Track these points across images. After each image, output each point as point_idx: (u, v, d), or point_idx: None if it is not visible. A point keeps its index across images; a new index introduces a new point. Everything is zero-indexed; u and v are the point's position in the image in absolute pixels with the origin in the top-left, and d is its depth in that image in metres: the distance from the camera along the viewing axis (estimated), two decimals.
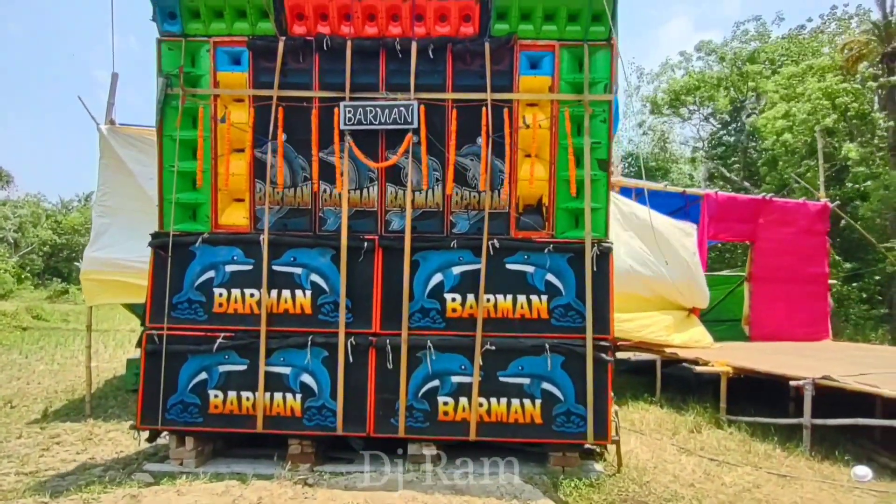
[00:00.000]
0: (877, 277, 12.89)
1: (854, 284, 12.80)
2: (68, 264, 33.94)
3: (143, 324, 6.50)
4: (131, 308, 6.93)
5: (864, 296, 12.70)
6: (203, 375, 3.92)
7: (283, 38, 3.96)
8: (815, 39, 16.74)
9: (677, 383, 7.18)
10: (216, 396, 3.91)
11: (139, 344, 4.02)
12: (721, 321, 8.91)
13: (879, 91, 14.00)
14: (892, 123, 13.59)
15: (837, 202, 9.21)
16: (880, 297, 13.28)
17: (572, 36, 3.94)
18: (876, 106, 14.60)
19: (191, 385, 3.92)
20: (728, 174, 15.67)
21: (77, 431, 4.88)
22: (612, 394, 3.87)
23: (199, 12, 3.95)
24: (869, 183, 12.35)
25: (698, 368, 5.75)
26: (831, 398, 4.90)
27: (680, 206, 7.93)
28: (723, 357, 5.96)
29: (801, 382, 4.75)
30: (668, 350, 6.58)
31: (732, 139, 17.98)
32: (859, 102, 13.96)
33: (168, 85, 3.98)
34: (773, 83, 14.80)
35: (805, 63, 14.76)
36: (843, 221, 12.02)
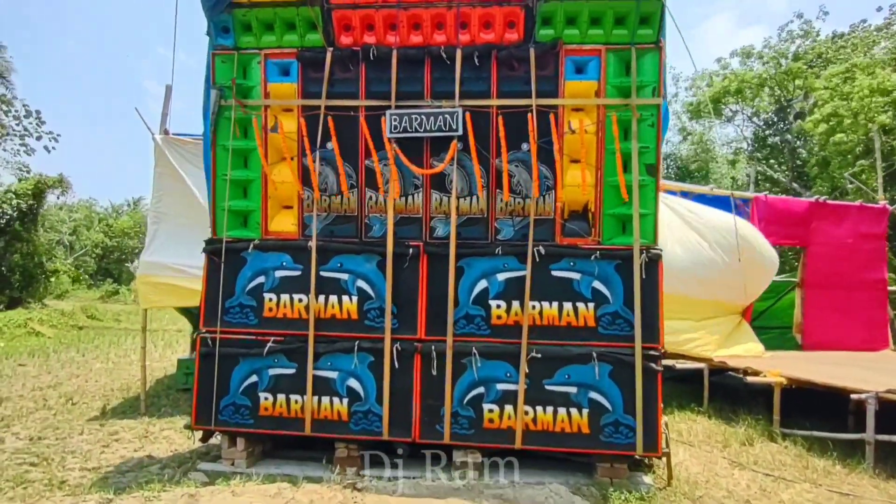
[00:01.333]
0: None
1: None
2: (118, 265, 35.52)
3: (195, 327, 6.75)
4: (183, 311, 7.19)
5: None
6: (254, 378, 4.04)
7: (331, 48, 4.04)
8: (869, 37, 15.93)
9: (725, 393, 6.95)
10: (266, 399, 4.01)
11: (193, 347, 4.16)
12: (770, 328, 8.56)
13: None
14: None
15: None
16: None
17: (619, 39, 3.88)
18: None
19: (242, 387, 4.03)
20: (775, 175, 15.08)
21: (134, 429, 5.09)
22: (662, 404, 3.78)
23: (251, 26, 4.07)
24: None
25: (749, 379, 5.54)
26: (895, 413, 4.65)
27: (728, 209, 7.67)
28: (775, 367, 5.73)
29: (862, 396, 4.52)
30: (716, 359, 6.38)
31: (778, 139, 17.29)
32: None
33: (221, 96, 4.12)
34: (822, 80, 14.15)
35: (853, 60, 14.07)
36: None
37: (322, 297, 4.04)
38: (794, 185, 14.44)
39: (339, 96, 4.06)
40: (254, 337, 4.06)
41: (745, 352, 6.92)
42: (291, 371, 4.01)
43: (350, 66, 4.05)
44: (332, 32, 4.04)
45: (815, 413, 5.75)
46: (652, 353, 3.77)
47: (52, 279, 17.03)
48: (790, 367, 5.71)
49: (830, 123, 13.10)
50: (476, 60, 3.93)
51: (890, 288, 8.48)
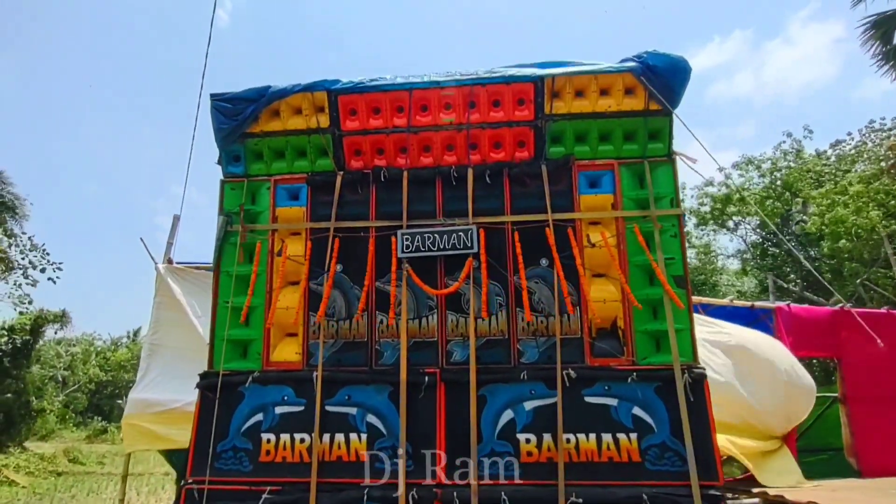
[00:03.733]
0: None
1: None
2: (110, 401, 34.06)
3: (180, 477, 6.06)
4: (167, 455, 6.52)
5: None
6: None
7: (341, 172, 4.03)
8: (859, 153, 16.85)
9: None
10: None
11: (177, 502, 3.60)
12: (814, 450, 7.74)
13: None
14: None
15: None
16: None
17: (630, 154, 3.88)
18: None
19: None
20: (785, 285, 14.96)
21: None
22: None
23: (262, 154, 4.11)
24: None
25: None
26: None
27: (749, 322, 7.33)
28: (839, 500, 5.00)
29: None
30: (771, 492, 5.61)
31: (781, 250, 17.48)
32: None
33: (228, 223, 4.02)
34: (819, 193, 14.67)
35: (849, 176, 14.70)
36: None
37: (327, 436, 3.57)
38: (807, 293, 14.25)
39: (348, 218, 3.96)
40: (247, 487, 3.51)
41: (783, 468, 6.13)
42: None
43: (360, 189, 4.00)
44: (343, 157, 4.05)
45: None
46: (712, 492, 3.22)
47: (38, 420, 16.07)
48: (857, 501, 4.98)
49: (832, 230, 13.27)
50: (488, 178, 3.89)
51: None
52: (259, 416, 3.67)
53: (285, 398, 3.69)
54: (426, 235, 3.78)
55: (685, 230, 3.92)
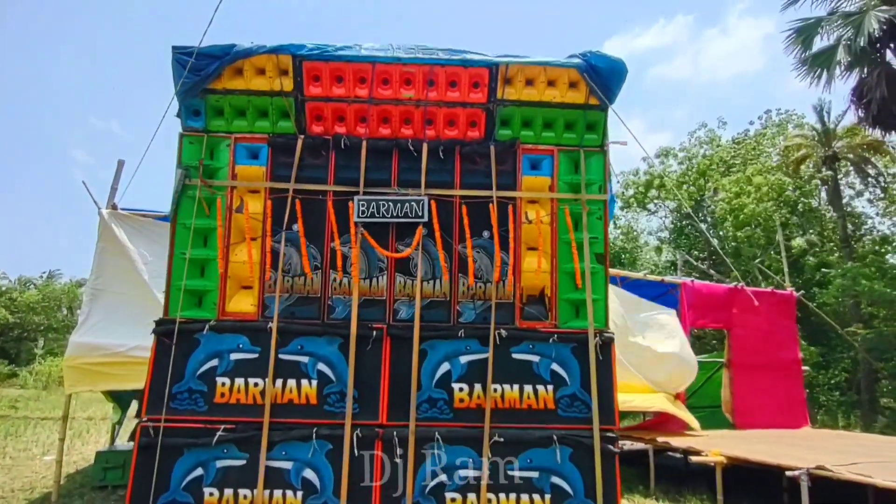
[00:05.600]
0: (844, 363, 13.38)
1: (822, 371, 13.22)
2: (17, 344, 31.98)
3: (124, 414, 6.20)
4: (111, 395, 6.59)
5: (833, 382, 13.09)
6: (199, 471, 3.74)
7: (302, 136, 4.21)
8: (758, 143, 18.52)
9: (668, 473, 7.10)
10: (211, 495, 3.71)
11: (132, 437, 3.84)
12: (701, 408, 9.01)
13: (826, 187, 15.33)
14: (835, 215, 14.80)
15: (802, 291, 9.76)
16: (847, 384, 13.70)
17: (569, 142, 4.33)
18: (824, 200, 15.92)
19: (185, 482, 3.72)
20: (695, 262, 16.52)
21: None
22: (621, 487, 3.84)
23: (222, 111, 4.19)
24: (827, 271, 13.16)
25: (692, 458, 5.74)
26: (824, 488, 4.95)
27: (659, 294, 8.26)
28: (713, 446, 5.99)
29: (796, 473, 4.81)
30: (660, 439, 6.58)
31: (694, 230, 19.14)
32: (806, 197, 15.24)
33: (186, 176, 4.12)
34: (728, 181, 16.12)
35: (751, 167, 16.24)
36: (805, 309, 12.67)
37: (280, 382, 3.90)
38: (712, 271, 15.84)
39: (308, 181, 4.18)
40: (202, 425, 3.81)
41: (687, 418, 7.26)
42: (242, 462, 3.76)
43: (321, 153, 4.22)
44: (304, 121, 4.23)
45: (752, 491, 6.00)
46: (609, 434, 3.89)
47: None
48: (728, 446, 5.99)
49: (736, 216, 14.73)
50: (441, 154, 4.23)
51: (804, 368, 9.25)
52: (214, 362, 3.93)
53: (240, 346, 3.97)
54: (381, 203, 4.09)
55: (613, 213, 4.46)
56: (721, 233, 16.90)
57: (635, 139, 4.69)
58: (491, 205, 4.14)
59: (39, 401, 17.16)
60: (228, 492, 3.71)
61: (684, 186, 17.96)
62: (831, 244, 15.02)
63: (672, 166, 19.52)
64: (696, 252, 18.21)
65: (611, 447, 3.85)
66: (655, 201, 19.56)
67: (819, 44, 11.87)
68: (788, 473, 4.94)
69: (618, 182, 20.73)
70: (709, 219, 18.39)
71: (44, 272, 37.14)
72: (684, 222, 19.34)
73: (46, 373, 23.12)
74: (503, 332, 4.01)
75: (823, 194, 16.49)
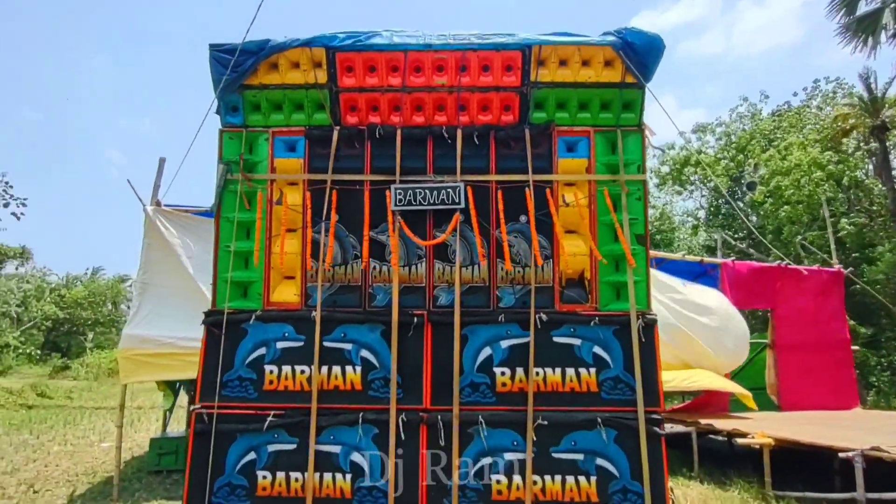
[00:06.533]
0: None
1: (873, 351, 12.73)
2: (68, 338, 33.59)
3: (174, 403, 6.45)
4: (166, 385, 6.87)
5: (885, 362, 12.60)
6: (252, 455, 3.88)
7: (338, 127, 4.26)
8: (799, 113, 17.73)
9: (712, 456, 7.01)
10: (264, 478, 3.85)
11: (188, 424, 4.00)
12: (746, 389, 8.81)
13: (873, 159, 14.63)
14: (884, 189, 14.12)
15: (851, 269, 9.38)
16: None
17: (605, 122, 4.25)
18: (870, 173, 15.21)
19: (239, 466, 3.87)
20: (733, 242, 16.06)
21: None
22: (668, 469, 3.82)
23: (259, 106, 4.27)
24: (879, 248, 12.62)
25: (739, 441, 5.65)
26: (880, 470, 4.81)
27: (699, 275, 8.09)
28: (759, 428, 5.87)
29: (850, 454, 4.68)
30: (703, 421, 6.48)
31: (732, 208, 18.56)
32: (851, 171, 14.58)
33: (228, 171, 4.23)
34: (767, 156, 15.54)
35: (790, 138, 15.59)
36: (853, 287, 12.19)
37: (325, 368, 4.00)
38: (752, 251, 15.36)
39: (344, 171, 4.23)
40: (253, 411, 3.94)
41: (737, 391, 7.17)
42: (292, 446, 3.89)
43: (356, 144, 4.26)
44: (339, 112, 4.27)
45: (801, 474, 5.86)
46: (654, 416, 3.85)
47: (6, 354, 15.92)
48: (775, 428, 5.86)
49: (776, 197, 14.22)
50: (476, 139, 4.21)
51: (853, 347, 8.92)
52: (262, 350, 4.05)
53: (286, 334, 4.08)
54: (418, 191, 4.12)
55: (648, 191, 4.36)
56: (760, 211, 16.35)
57: (669, 118, 4.58)
58: (527, 189, 4.11)
59: (91, 391, 18.05)
60: (281, 475, 3.85)
61: (722, 163, 17.37)
62: (881, 218, 14.36)
63: (710, 143, 18.91)
64: (731, 233, 17.72)
65: (656, 429, 3.81)
66: (692, 179, 18.99)
67: (863, 8, 11.29)
68: (841, 455, 4.82)
69: (655, 157, 20.30)
70: (747, 197, 17.79)
71: (87, 268, 38.75)
72: (721, 201, 18.79)
73: (96, 365, 24.29)
74: (543, 316, 4.00)
75: (871, 166, 15.76)
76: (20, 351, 19.72)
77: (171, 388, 6.86)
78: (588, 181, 4.19)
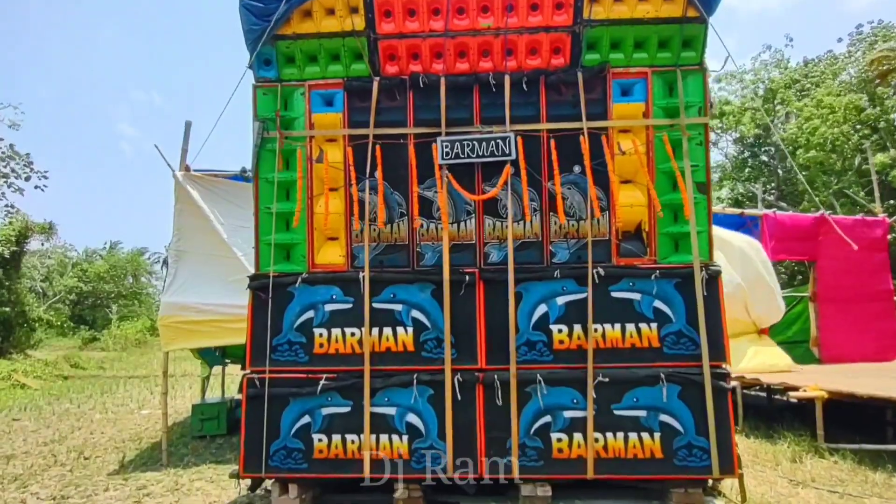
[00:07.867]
0: None
1: None
2: (93, 311, 34.26)
3: (210, 369, 6.45)
4: (200, 352, 6.89)
5: None
6: (306, 419, 3.83)
7: (377, 78, 4.02)
8: (833, 62, 16.88)
9: (752, 411, 6.92)
10: (320, 440, 3.80)
11: (240, 389, 3.95)
12: (785, 343, 8.65)
13: None
14: None
15: (895, 218, 9.03)
16: None
17: (663, 62, 3.96)
18: None
19: (294, 429, 3.82)
20: (761, 195, 15.61)
21: (161, 482, 4.77)
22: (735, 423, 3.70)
23: (293, 58, 4.03)
24: None
25: (793, 395, 5.52)
26: None
27: (739, 226, 7.83)
28: (806, 381, 5.73)
29: None
30: (748, 376, 6.36)
31: (759, 160, 17.97)
32: (888, 114, 13.95)
33: (264, 129, 4.03)
34: (802, 104, 14.90)
35: (823, 87, 14.89)
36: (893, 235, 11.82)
37: (375, 330, 3.89)
38: (782, 203, 14.93)
39: (386, 125, 4.02)
40: (305, 375, 3.87)
41: (773, 360, 6.98)
42: (346, 409, 3.82)
43: (397, 95, 4.03)
44: (378, 62, 4.02)
45: (851, 426, 5.75)
46: (720, 370, 3.71)
47: (37, 328, 16.25)
48: (823, 381, 5.71)
49: (809, 140, 13.68)
50: (524, 86, 3.95)
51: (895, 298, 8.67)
52: (310, 314, 3.95)
53: (334, 297, 3.96)
54: (465, 143, 3.90)
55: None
56: (790, 162, 15.79)
57: (731, 58, 4.24)
58: (581, 137, 3.88)
59: (122, 360, 18.43)
60: (336, 437, 3.80)
61: (748, 113, 16.70)
62: None
63: (736, 91, 18.14)
64: (758, 186, 17.22)
65: (722, 383, 3.68)
66: (717, 130, 18.32)
67: None
68: None
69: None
70: (774, 147, 17.16)
71: (106, 242, 39.15)
72: (747, 153, 18.19)
73: (123, 336, 24.78)
74: (601, 271, 3.83)
75: None
76: (51, 324, 20.15)
77: (209, 355, 6.87)
78: (646, 126, 3.94)
